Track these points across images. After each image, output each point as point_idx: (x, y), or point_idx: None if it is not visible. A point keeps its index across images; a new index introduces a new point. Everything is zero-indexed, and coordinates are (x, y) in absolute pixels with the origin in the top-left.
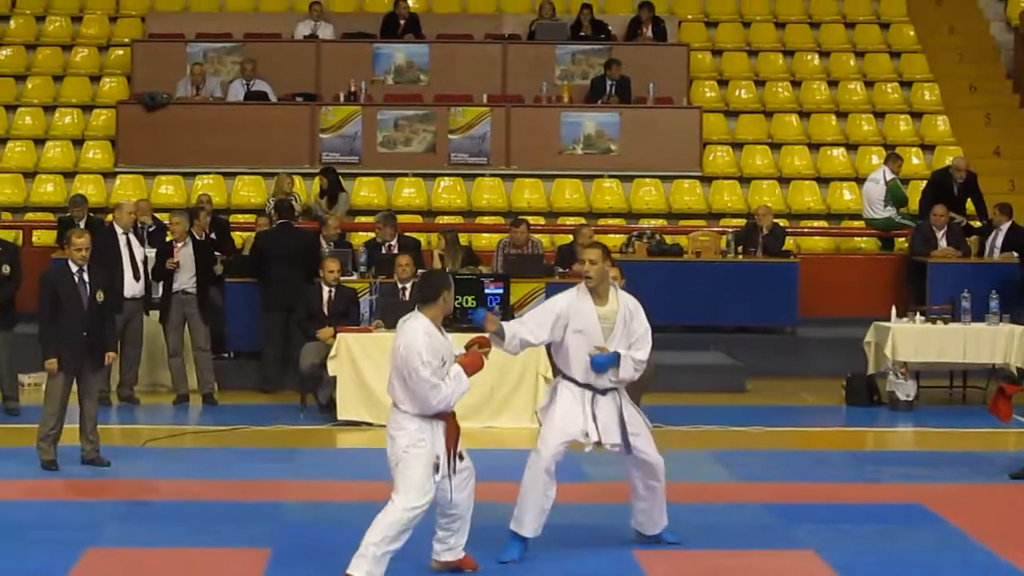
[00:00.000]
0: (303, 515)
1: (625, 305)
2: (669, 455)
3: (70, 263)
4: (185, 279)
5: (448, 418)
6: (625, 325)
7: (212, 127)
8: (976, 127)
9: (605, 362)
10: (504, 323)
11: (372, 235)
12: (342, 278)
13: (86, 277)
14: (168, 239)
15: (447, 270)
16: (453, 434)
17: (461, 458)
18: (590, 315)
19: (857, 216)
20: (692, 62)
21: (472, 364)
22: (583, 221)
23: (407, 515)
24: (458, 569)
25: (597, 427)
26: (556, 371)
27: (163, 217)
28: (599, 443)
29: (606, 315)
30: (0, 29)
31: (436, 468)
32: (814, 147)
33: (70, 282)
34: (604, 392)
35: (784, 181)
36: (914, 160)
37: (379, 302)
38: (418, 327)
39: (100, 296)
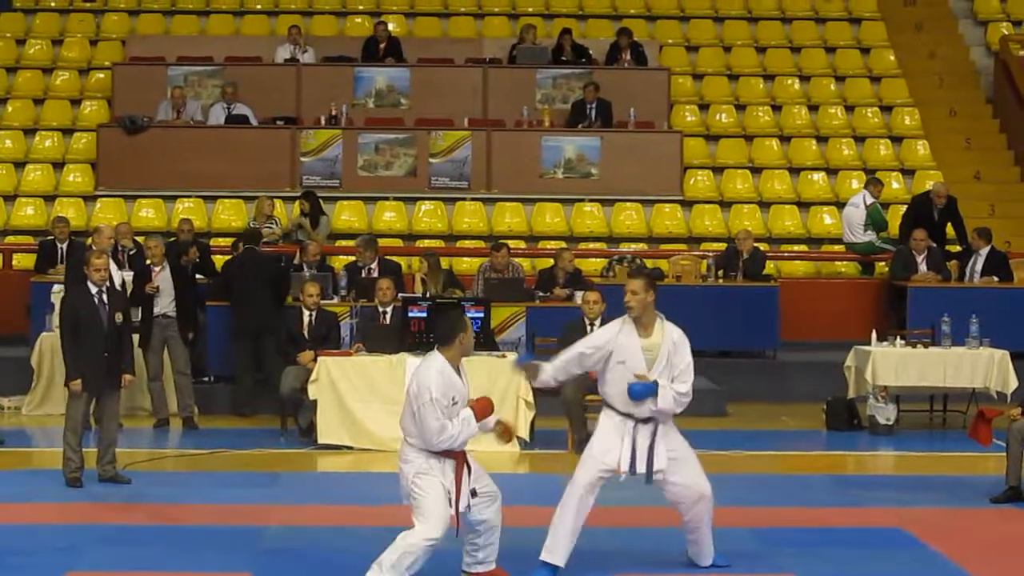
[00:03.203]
0: (284, 539)
1: (670, 337)
2: None
3: (89, 284)
4: (165, 303)
5: (458, 457)
6: (668, 358)
7: (193, 151)
8: (956, 152)
9: (641, 391)
10: (543, 364)
11: (353, 259)
12: (322, 302)
13: (106, 298)
14: (147, 262)
15: (429, 295)
16: (462, 472)
17: (474, 495)
18: (634, 347)
19: (837, 240)
20: (673, 86)
21: (482, 409)
22: (564, 245)
23: (424, 544)
24: None
25: (634, 456)
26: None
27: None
28: (633, 472)
29: (650, 347)
30: None
31: (450, 502)
32: (794, 171)
33: (91, 303)
34: (645, 421)
35: (764, 205)
36: (894, 184)
37: (360, 326)
38: (432, 365)
39: (119, 317)
